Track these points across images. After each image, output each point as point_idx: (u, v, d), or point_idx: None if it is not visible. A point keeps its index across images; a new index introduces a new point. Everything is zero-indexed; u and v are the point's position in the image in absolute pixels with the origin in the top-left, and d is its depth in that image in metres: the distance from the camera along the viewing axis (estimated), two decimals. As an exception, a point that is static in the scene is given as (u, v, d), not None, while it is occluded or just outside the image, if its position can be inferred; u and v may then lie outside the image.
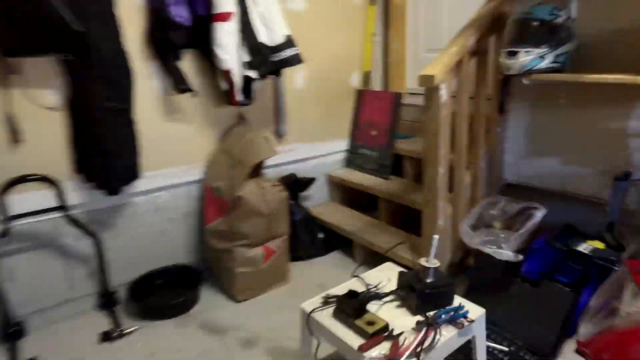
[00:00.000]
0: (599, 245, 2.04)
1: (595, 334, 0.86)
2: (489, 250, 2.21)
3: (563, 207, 2.23)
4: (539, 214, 2.21)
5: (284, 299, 2.47)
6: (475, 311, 1.61)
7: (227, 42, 2.29)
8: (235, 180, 2.36)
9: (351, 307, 1.55)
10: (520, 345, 1.95)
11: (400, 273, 1.72)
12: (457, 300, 1.63)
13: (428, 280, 1.63)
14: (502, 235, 2.24)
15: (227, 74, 2.37)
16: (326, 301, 1.64)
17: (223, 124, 2.66)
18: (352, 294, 1.62)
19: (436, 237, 1.66)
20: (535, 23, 1.91)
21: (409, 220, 2.73)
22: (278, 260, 2.53)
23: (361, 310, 1.54)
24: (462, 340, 1.56)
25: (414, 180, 2.85)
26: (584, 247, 2.07)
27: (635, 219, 2.03)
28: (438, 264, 1.64)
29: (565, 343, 1.98)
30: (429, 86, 2.02)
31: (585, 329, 0.92)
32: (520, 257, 2.12)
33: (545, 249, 2.21)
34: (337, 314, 1.57)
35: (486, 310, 1.62)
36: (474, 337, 1.62)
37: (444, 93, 2.05)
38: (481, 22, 2.19)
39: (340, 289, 1.70)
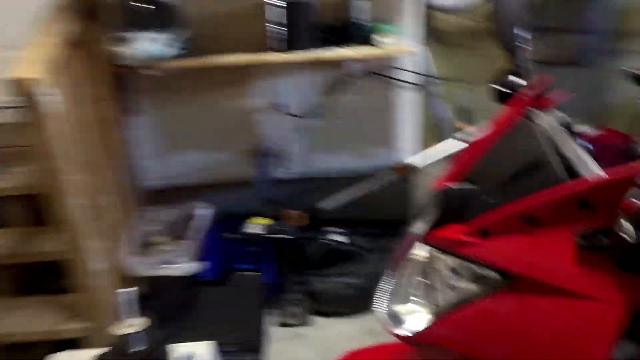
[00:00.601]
0: (265, 221, 2.10)
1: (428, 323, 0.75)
2: (165, 271, 1.91)
3: (221, 197, 2.16)
4: (204, 212, 2.07)
5: None
6: (205, 349, 1.34)
7: None
8: None
9: None
10: (233, 350, 1.83)
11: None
12: (180, 348, 1.30)
13: (135, 349, 1.21)
14: (174, 249, 1.98)
15: None
16: None
17: None
18: None
19: (124, 290, 1.25)
20: (146, 5, 1.63)
21: (46, 278, 2.01)
22: None
23: None
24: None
25: (33, 224, 2.09)
26: (253, 228, 2.08)
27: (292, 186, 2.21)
28: (144, 324, 1.24)
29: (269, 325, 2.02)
30: (25, 93, 1.43)
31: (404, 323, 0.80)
32: (200, 263, 1.95)
33: (219, 244, 2.12)
34: None
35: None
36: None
37: (51, 99, 1.50)
38: (76, 3, 1.70)
39: None
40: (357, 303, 2.09)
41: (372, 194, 2.13)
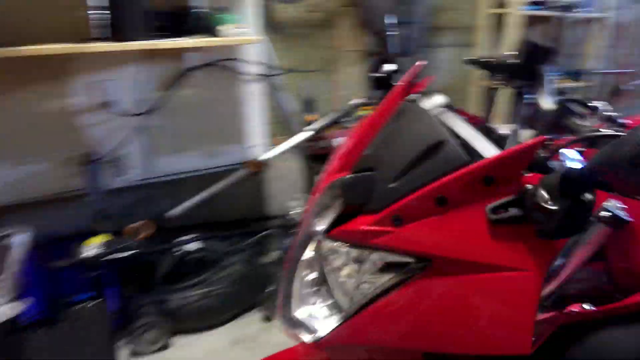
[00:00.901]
0: (103, 239, 1.80)
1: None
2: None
3: (43, 217, 1.77)
4: (19, 238, 1.67)
5: None
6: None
7: None
8: None
9: None
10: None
11: None
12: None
13: None
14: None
15: None
16: None
17: None
18: None
19: None
20: None
21: None
22: None
23: None
24: None
25: None
26: (90, 249, 1.77)
27: (126, 196, 1.91)
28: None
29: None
30: None
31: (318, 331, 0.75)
32: (21, 302, 1.57)
33: (44, 275, 1.74)
34: None
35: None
36: None
37: None
38: None
39: None
40: (221, 312, 1.97)
41: (223, 194, 2.01)
